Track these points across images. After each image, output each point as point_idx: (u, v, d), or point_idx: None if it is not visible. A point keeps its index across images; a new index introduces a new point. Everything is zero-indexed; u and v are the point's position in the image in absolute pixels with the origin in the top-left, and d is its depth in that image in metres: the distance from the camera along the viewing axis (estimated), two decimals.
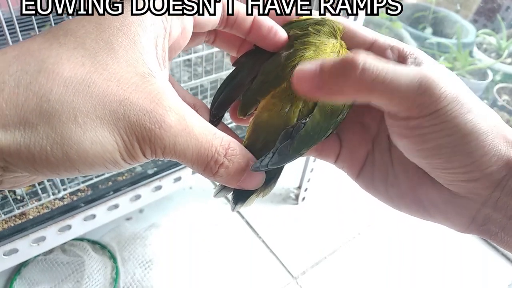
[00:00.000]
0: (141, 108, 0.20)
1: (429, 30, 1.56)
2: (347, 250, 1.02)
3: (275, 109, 0.26)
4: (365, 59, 0.21)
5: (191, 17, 0.24)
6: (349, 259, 1.00)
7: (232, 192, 0.26)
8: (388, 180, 0.28)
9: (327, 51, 0.26)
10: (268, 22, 0.27)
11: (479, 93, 1.38)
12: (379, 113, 0.28)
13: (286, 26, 0.28)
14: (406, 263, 1.00)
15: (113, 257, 0.92)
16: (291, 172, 1.14)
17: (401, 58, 0.25)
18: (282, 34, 0.27)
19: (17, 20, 0.50)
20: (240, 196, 0.26)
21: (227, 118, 0.81)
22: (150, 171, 0.82)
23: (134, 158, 0.21)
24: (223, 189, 0.26)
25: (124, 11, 0.22)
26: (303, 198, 1.12)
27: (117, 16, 0.21)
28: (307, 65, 0.22)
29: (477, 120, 0.22)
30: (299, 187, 1.10)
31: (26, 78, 0.18)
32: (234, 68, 0.29)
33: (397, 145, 0.25)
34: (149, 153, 0.21)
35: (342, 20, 0.28)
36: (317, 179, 1.10)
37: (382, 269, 0.98)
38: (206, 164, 0.22)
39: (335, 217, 1.09)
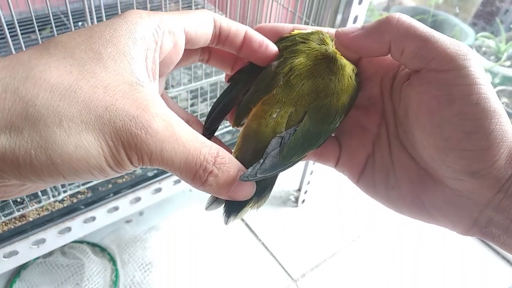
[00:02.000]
0: (127, 113, 0.20)
1: None
2: (347, 253, 1.02)
3: (264, 115, 0.26)
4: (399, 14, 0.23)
5: (183, 32, 0.25)
6: (349, 262, 1.00)
7: (224, 204, 0.25)
8: (389, 183, 0.28)
9: (318, 56, 0.27)
10: (258, 37, 0.28)
11: None
12: (378, 116, 0.28)
13: (277, 42, 0.29)
14: (406, 266, 1.00)
15: (112, 260, 0.92)
16: (291, 174, 1.14)
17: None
18: (272, 48, 0.28)
19: (18, 22, 0.50)
20: (233, 208, 0.25)
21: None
22: (150, 174, 0.82)
23: (121, 165, 0.21)
24: (214, 201, 0.25)
25: (115, 24, 0.22)
26: (303, 201, 1.12)
27: (107, 29, 0.22)
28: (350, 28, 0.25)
29: (500, 107, 0.22)
30: (299, 190, 1.10)
31: (14, 84, 0.19)
32: (229, 84, 0.30)
33: (417, 116, 0.24)
34: (135, 160, 0.21)
35: (332, 31, 0.28)
36: (317, 181, 1.10)
37: (382, 272, 0.98)
38: (195, 173, 0.22)
39: (335, 220, 1.09)
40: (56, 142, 0.19)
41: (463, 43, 0.23)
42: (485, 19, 1.52)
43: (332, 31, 0.28)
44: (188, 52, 0.28)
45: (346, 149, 0.29)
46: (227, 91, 0.30)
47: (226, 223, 0.25)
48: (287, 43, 0.28)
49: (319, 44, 0.27)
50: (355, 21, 0.75)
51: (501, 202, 0.22)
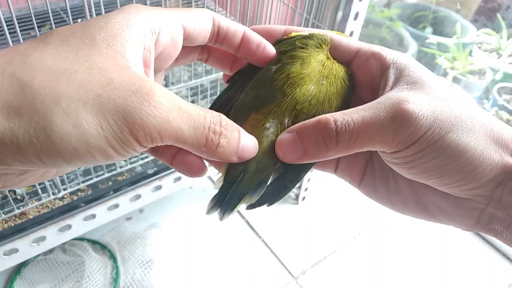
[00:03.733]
0: (126, 89, 0.20)
1: (429, 30, 1.56)
2: (347, 250, 1.02)
3: (257, 125, 0.26)
4: (335, 119, 0.23)
5: (181, 27, 0.25)
6: (349, 259, 1.00)
7: (219, 202, 0.26)
8: (389, 188, 0.28)
9: (312, 63, 0.27)
10: (256, 37, 0.28)
11: (479, 93, 1.38)
12: None
13: (275, 44, 0.29)
14: (406, 263, 1.00)
15: (113, 257, 0.92)
16: None
17: (384, 67, 0.26)
18: (270, 49, 0.28)
19: (17, 19, 0.50)
20: (227, 205, 0.25)
21: None
22: (150, 171, 0.82)
23: (126, 145, 0.20)
24: (214, 205, 0.25)
25: (111, 14, 0.22)
26: (303, 198, 1.12)
27: (103, 18, 0.22)
28: (285, 136, 0.25)
29: (461, 137, 0.22)
30: (299, 187, 1.10)
31: (11, 68, 0.19)
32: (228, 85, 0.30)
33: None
34: (142, 137, 0.20)
35: (328, 33, 0.28)
36: (318, 179, 1.10)
37: (382, 269, 0.98)
38: (207, 138, 0.22)
39: (335, 217, 1.09)
40: (54, 121, 0.18)
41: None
42: (486, 15, 1.51)
43: (328, 33, 0.28)
44: (187, 50, 0.28)
45: (344, 156, 0.29)
46: (224, 91, 0.30)
47: (221, 219, 0.25)
48: (286, 47, 0.28)
49: (315, 49, 0.28)
50: (356, 18, 0.74)
51: (501, 199, 0.23)
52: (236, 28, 0.27)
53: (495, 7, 1.48)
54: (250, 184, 0.25)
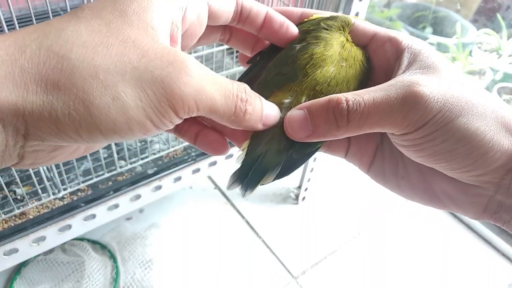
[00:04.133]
0: (162, 60, 0.20)
1: (429, 30, 1.56)
2: (347, 250, 1.02)
3: (276, 101, 0.26)
4: (347, 99, 0.23)
5: (206, 4, 0.25)
6: (349, 259, 1.00)
7: (241, 180, 0.26)
8: (398, 173, 0.28)
9: (334, 45, 0.27)
10: (279, 17, 0.28)
11: None
12: None
13: (298, 25, 0.29)
14: (406, 263, 1.00)
15: (113, 257, 0.92)
16: None
17: (399, 52, 0.26)
18: (293, 29, 0.28)
19: (17, 19, 0.50)
20: (249, 183, 0.26)
21: None
22: (150, 171, 0.82)
23: (164, 117, 0.20)
24: (235, 181, 0.26)
25: None
26: (303, 198, 1.12)
27: None
28: (295, 112, 0.25)
29: (471, 122, 0.22)
30: (299, 187, 1.10)
31: (47, 42, 0.19)
32: (248, 66, 0.30)
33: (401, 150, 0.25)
34: (180, 108, 0.20)
35: (351, 17, 0.29)
36: (317, 179, 1.10)
37: (382, 269, 0.98)
38: (235, 105, 0.22)
39: (335, 217, 1.09)
40: (93, 93, 0.19)
41: None
42: (486, 15, 1.51)
43: (351, 17, 0.29)
44: (210, 29, 0.28)
45: (355, 139, 0.29)
46: (247, 70, 0.30)
47: (244, 195, 0.26)
48: (310, 27, 0.28)
49: (338, 32, 0.28)
50: None
51: (510, 187, 0.22)
52: (259, 8, 0.27)
53: (495, 7, 1.48)
54: (272, 163, 0.26)
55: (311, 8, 0.77)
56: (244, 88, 0.23)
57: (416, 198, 0.27)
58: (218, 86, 0.21)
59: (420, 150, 0.23)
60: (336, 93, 0.26)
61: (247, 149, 0.26)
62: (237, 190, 0.26)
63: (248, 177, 0.26)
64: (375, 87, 0.23)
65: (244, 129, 0.24)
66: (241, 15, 0.27)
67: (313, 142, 0.26)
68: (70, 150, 0.24)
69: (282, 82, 0.27)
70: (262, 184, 0.26)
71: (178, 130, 0.27)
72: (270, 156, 0.26)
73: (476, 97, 0.22)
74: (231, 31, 0.30)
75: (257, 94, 0.24)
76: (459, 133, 0.21)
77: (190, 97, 0.20)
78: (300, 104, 0.25)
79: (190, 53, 0.76)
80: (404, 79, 0.23)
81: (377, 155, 0.29)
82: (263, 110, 0.24)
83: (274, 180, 0.27)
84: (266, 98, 0.27)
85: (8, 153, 0.19)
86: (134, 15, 0.21)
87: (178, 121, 0.21)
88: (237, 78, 0.30)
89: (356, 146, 0.29)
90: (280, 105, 0.26)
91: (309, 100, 0.26)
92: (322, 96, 0.26)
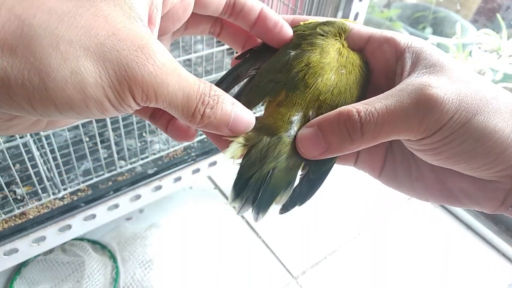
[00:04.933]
0: (132, 43, 0.19)
1: (429, 30, 1.56)
2: (347, 250, 1.02)
3: (281, 118, 0.25)
4: (358, 110, 0.22)
5: None
6: (349, 259, 1.00)
7: (252, 203, 0.25)
8: (412, 175, 0.27)
9: (330, 52, 0.26)
10: (274, 16, 0.27)
11: None
12: None
13: (293, 27, 0.28)
14: (406, 263, 1.00)
15: (113, 257, 0.92)
16: None
17: (399, 52, 0.25)
18: (287, 29, 0.27)
19: None
20: (260, 206, 0.25)
21: None
22: (150, 171, 0.82)
23: (122, 100, 0.19)
24: (245, 203, 0.25)
25: None
26: None
27: None
28: (305, 131, 0.24)
29: (488, 119, 0.21)
30: None
31: (10, 2, 0.18)
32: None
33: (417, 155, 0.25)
34: (139, 94, 0.19)
35: (341, 21, 0.28)
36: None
37: (382, 269, 0.98)
38: (195, 107, 0.21)
39: (335, 217, 1.09)
40: (51, 65, 0.18)
41: None
42: (486, 15, 1.51)
43: (342, 21, 0.28)
44: (199, 19, 0.27)
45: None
46: (235, 67, 0.29)
47: (256, 220, 0.25)
48: (305, 31, 0.27)
49: (334, 38, 0.27)
50: (355, 18, 0.74)
51: None
52: (253, 3, 0.26)
53: (495, 7, 1.48)
54: (282, 181, 0.25)
55: (311, 7, 0.77)
56: (209, 90, 0.22)
57: (432, 198, 0.26)
58: (184, 84, 0.21)
59: (438, 154, 0.22)
60: (340, 102, 0.25)
61: (242, 161, 0.25)
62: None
63: (258, 199, 0.24)
64: (384, 94, 0.23)
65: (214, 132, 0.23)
66: (233, 8, 0.26)
67: (328, 158, 0.25)
68: (29, 122, 0.23)
69: (276, 89, 0.26)
70: (277, 204, 0.25)
71: (152, 116, 0.26)
72: (278, 174, 0.25)
73: (488, 92, 0.22)
74: (222, 24, 0.29)
75: (229, 98, 0.23)
76: (477, 132, 0.21)
77: (150, 87, 0.19)
78: (310, 121, 0.24)
79: (190, 53, 0.76)
80: (413, 81, 0.22)
81: (388, 159, 0.28)
82: (231, 115, 0.23)
83: (295, 205, 0.26)
84: (257, 104, 0.26)
85: None
86: None
87: (137, 107, 0.21)
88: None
89: (366, 153, 0.29)
90: (289, 123, 0.25)
91: (315, 111, 0.25)
92: (327, 107, 0.25)
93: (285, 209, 0.26)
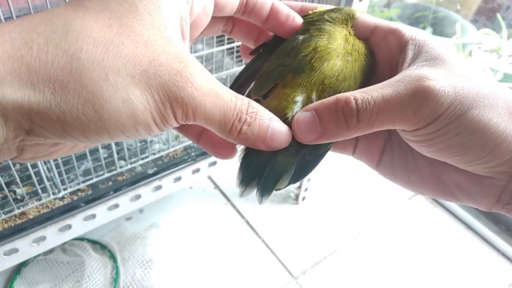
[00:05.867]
0: (172, 68, 0.20)
1: (429, 30, 1.56)
2: (347, 250, 1.02)
3: (286, 98, 0.26)
4: (355, 98, 0.22)
5: None
6: (349, 259, 1.00)
7: (256, 187, 0.25)
8: (408, 167, 0.27)
9: (337, 39, 0.27)
10: (285, 9, 0.27)
11: None
12: None
13: (302, 17, 0.29)
14: (406, 263, 1.00)
15: (113, 257, 0.92)
16: None
17: (403, 44, 0.26)
18: (299, 20, 0.28)
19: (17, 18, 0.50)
20: (264, 189, 0.25)
21: None
22: (150, 171, 0.82)
23: (166, 120, 0.20)
24: (247, 186, 0.25)
25: None
26: (303, 198, 1.12)
27: None
28: (302, 115, 0.24)
29: (483, 113, 0.21)
30: (299, 187, 1.09)
31: (55, 37, 0.18)
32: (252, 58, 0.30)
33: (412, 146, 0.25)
34: (180, 114, 0.21)
35: (354, 9, 0.28)
36: (317, 179, 1.10)
37: (382, 269, 0.98)
38: (232, 124, 0.22)
39: (335, 217, 1.09)
40: (103, 97, 0.18)
41: None
42: (486, 15, 1.51)
43: (351, 8, 0.28)
44: (213, 20, 0.28)
45: (363, 136, 0.29)
46: (251, 62, 0.30)
47: (261, 202, 0.25)
48: (314, 18, 0.28)
49: (341, 25, 0.27)
50: None
51: None
52: (264, 0, 0.27)
53: (495, 7, 1.48)
54: (285, 166, 0.25)
55: None
56: (246, 108, 0.23)
57: (427, 191, 0.27)
58: (220, 102, 0.21)
59: (432, 145, 0.23)
60: (344, 88, 0.26)
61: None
62: (239, 192, 0.25)
63: (261, 182, 0.25)
64: (382, 83, 0.23)
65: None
66: (246, 6, 0.27)
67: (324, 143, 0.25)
68: (70, 145, 0.24)
69: (284, 73, 0.26)
70: (277, 189, 0.26)
71: (180, 128, 0.27)
72: (282, 159, 0.25)
73: (486, 88, 0.22)
74: (233, 22, 0.30)
75: (268, 114, 0.24)
76: (471, 125, 0.21)
77: (189, 108, 0.20)
78: (307, 106, 0.25)
79: (191, 52, 0.76)
80: (411, 73, 0.23)
81: (386, 150, 0.28)
82: (268, 132, 0.23)
83: (289, 184, 0.26)
84: (267, 89, 0.27)
85: (7, 146, 0.19)
86: (146, 12, 0.21)
87: (177, 125, 0.22)
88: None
89: (364, 143, 0.29)
90: (293, 103, 0.25)
91: (319, 94, 0.26)
92: (331, 91, 0.26)
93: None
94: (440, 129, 0.22)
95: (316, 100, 0.26)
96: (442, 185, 0.26)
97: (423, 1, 1.67)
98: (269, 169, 0.25)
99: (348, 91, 0.25)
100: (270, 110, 0.25)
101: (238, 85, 0.29)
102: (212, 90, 0.21)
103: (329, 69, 0.26)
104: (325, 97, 0.25)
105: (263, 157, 0.25)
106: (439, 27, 1.56)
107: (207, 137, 0.26)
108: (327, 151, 0.27)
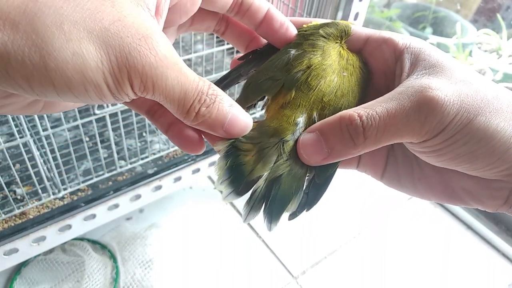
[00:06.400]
0: (137, 31, 0.19)
1: (429, 30, 1.56)
2: (347, 250, 1.02)
3: (287, 120, 0.25)
4: (359, 115, 0.22)
5: None
6: (349, 259, 1.00)
7: (263, 212, 0.24)
8: (414, 175, 0.27)
9: (331, 54, 0.26)
10: (281, 16, 0.27)
11: None
12: None
13: (297, 28, 0.28)
14: (406, 263, 1.00)
15: (113, 257, 0.92)
16: None
17: (397, 53, 0.25)
18: (293, 30, 0.27)
19: None
20: (272, 214, 0.24)
21: None
22: (150, 171, 0.82)
23: (120, 87, 0.19)
24: (250, 211, 0.24)
25: None
26: None
27: None
28: (307, 137, 0.24)
29: (490, 120, 0.21)
30: None
31: None
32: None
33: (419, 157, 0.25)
34: (137, 83, 0.19)
35: (341, 23, 0.28)
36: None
37: (382, 269, 0.98)
38: (191, 104, 0.21)
39: (335, 217, 1.09)
40: (53, 44, 0.17)
41: None
42: (486, 15, 1.51)
43: (347, 23, 0.28)
44: (205, 15, 0.27)
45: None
46: (239, 65, 0.29)
47: (270, 229, 0.24)
48: (308, 31, 0.27)
49: (335, 40, 0.27)
50: (355, 18, 0.74)
51: None
52: (261, 3, 0.26)
53: (495, 7, 1.48)
54: (291, 188, 0.24)
55: (312, 7, 0.77)
56: (207, 89, 0.22)
57: (434, 197, 0.26)
58: (183, 79, 0.20)
59: (441, 155, 0.22)
60: (343, 104, 0.25)
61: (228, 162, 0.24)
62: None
63: (268, 206, 0.24)
64: (384, 97, 0.23)
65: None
66: (241, 6, 0.26)
67: (331, 163, 0.25)
68: (24, 102, 0.22)
69: (274, 87, 0.26)
70: (290, 219, 0.25)
71: (151, 114, 0.25)
72: (287, 180, 0.24)
73: (489, 92, 0.22)
74: (227, 23, 0.29)
75: (228, 99, 0.23)
76: (479, 133, 0.21)
77: (149, 78, 0.19)
78: (311, 127, 0.24)
79: (190, 53, 0.76)
80: (413, 84, 0.22)
81: (390, 161, 0.28)
82: (227, 117, 0.22)
83: (304, 210, 0.25)
84: (253, 101, 0.26)
85: None
86: None
87: (134, 96, 0.20)
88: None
89: (367, 156, 0.29)
90: (294, 125, 0.25)
91: (318, 113, 0.25)
92: (331, 108, 0.25)
93: (293, 215, 0.25)
94: (448, 139, 0.21)
95: (317, 119, 0.25)
96: (450, 191, 0.26)
97: (423, 1, 1.67)
98: (274, 192, 0.24)
99: (348, 106, 0.25)
100: (270, 132, 0.25)
101: (223, 85, 0.29)
102: (176, 65, 0.20)
103: (326, 86, 0.25)
104: (325, 116, 0.25)
105: (265, 177, 0.24)
106: (439, 27, 1.56)
107: (176, 128, 0.25)
108: (335, 171, 0.26)
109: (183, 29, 0.28)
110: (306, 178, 0.25)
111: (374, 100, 0.23)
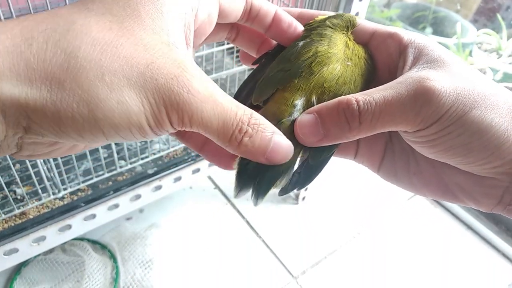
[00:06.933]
0: (169, 72, 0.20)
1: (429, 30, 1.56)
2: (347, 250, 1.02)
3: (285, 102, 0.26)
4: (357, 100, 0.22)
5: (217, 2, 0.25)
6: (349, 259, 1.00)
7: (252, 189, 0.25)
8: (410, 169, 0.27)
9: (338, 44, 0.27)
10: (288, 17, 0.28)
11: None
12: None
13: (305, 25, 0.29)
14: (406, 263, 1.00)
15: (113, 257, 0.92)
16: None
17: (402, 47, 0.26)
18: (300, 29, 0.28)
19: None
20: (259, 190, 0.25)
21: None
22: (150, 171, 0.82)
23: (160, 124, 0.20)
24: (241, 188, 0.25)
25: None
26: (303, 198, 1.12)
27: None
28: (305, 117, 0.24)
29: (485, 114, 0.21)
30: None
31: (55, 36, 0.18)
32: (254, 67, 0.30)
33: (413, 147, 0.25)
34: (175, 120, 0.20)
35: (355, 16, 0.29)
36: (317, 179, 1.09)
37: (382, 269, 0.98)
38: (231, 134, 0.22)
39: (335, 217, 1.09)
40: (98, 97, 0.18)
41: None
42: (486, 15, 1.51)
43: (352, 15, 0.29)
44: (217, 27, 0.28)
45: (364, 139, 0.29)
46: (254, 72, 0.30)
47: (256, 204, 0.25)
48: (314, 25, 0.28)
49: (342, 31, 0.28)
50: None
51: None
52: (268, 7, 0.27)
53: (495, 7, 1.48)
54: (280, 167, 0.25)
55: (311, 7, 0.77)
56: (248, 118, 0.22)
57: (429, 193, 0.27)
58: (219, 110, 0.21)
59: (434, 146, 0.23)
60: (344, 92, 0.26)
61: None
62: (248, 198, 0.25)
63: (257, 183, 0.24)
64: (383, 85, 0.23)
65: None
66: (250, 14, 0.27)
67: (327, 146, 0.25)
68: (69, 145, 0.24)
69: (284, 78, 0.26)
70: (281, 194, 0.26)
71: (181, 136, 0.27)
72: None
73: (487, 88, 0.22)
74: (238, 29, 0.30)
75: (271, 127, 0.23)
76: (473, 126, 0.21)
77: (185, 114, 0.20)
78: (309, 109, 0.25)
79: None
80: (413, 75, 0.23)
81: (387, 153, 0.29)
82: (270, 145, 0.23)
83: (292, 189, 0.26)
84: (268, 95, 0.27)
85: (6, 143, 0.19)
86: (148, 17, 0.21)
87: (174, 131, 0.21)
88: (237, 77, 0.30)
89: (366, 146, 0.29)
90: (292, 107, 0.25)
91: (317, 98, 0.26)
92: (331, 94, 0.26)
93: (284, 191, 0.26)
94: (442, 130, 0.22)
95: (316, 104, 0.26)
96: (444, 187, 0.26)
97: (423, 1, 1.67)
98: (265, 170, 0.24)
99: (348, 94, 0.25)
100: (269, 114, 0.25)
101: (243, 96, 0.29)
102: (211, 97, 0.21)
103: (328, 73, 0.26)
104: (325, 100, 0.25)
105: None
106: (439, 27, 1.57)
107: (209, 148, 0.26)
108: (330, 156, 0.27)
109: (200, 44, 0.29)
110: (300, 158, 0.26)
111: (374, 88, 0.23)
